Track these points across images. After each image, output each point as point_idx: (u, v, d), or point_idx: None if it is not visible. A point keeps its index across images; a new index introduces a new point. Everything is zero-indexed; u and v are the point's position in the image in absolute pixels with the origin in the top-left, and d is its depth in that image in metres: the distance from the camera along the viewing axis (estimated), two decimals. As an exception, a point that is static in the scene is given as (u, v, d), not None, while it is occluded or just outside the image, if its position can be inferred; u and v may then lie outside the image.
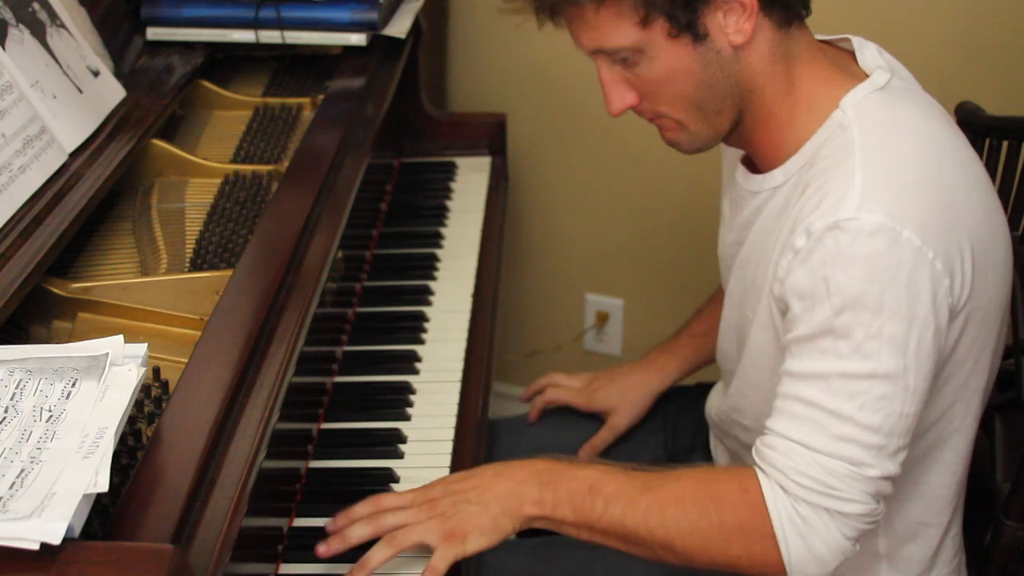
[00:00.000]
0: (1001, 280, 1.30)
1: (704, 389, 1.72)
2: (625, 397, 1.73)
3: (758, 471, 1.23)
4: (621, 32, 1.23)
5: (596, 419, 1.81)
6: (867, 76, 1.30)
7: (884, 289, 1.16)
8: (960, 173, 1.26)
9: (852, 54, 1.34)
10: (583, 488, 1.26)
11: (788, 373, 1.22)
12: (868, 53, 1.33)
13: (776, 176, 1.33)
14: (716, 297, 1.73)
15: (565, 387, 1.78)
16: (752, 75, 1.27)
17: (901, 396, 1.18)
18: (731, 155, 1.46)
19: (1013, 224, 1.53)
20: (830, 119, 1.27)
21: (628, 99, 1.30)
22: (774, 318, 1.29)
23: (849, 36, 1.36)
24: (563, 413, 1.85)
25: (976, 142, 1.60)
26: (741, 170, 1.40)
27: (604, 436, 1.72)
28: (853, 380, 1.17)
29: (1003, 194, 1.55)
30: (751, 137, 1.34)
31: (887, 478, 1.20)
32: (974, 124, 1.61)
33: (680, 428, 1.74)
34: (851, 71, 1.31)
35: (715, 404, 1.61)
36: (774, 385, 1.27)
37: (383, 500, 1.30)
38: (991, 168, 1.57)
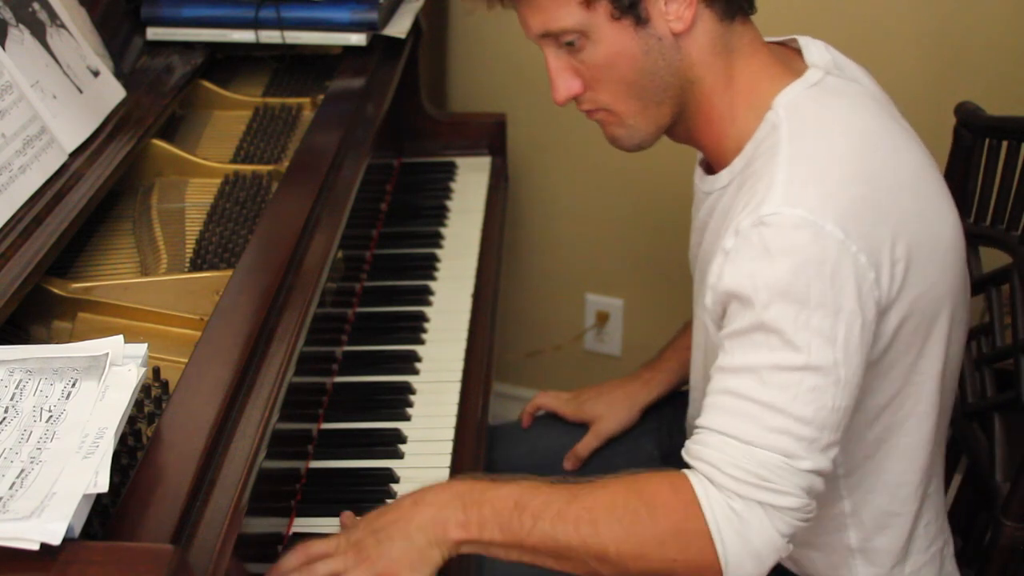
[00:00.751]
0: (946, 266, 1.30)
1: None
2: (612, 407, 1.74)
3: (690, 471, 1.22)
4: (565, 12, 1.26)
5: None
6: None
7: (809, 282, 1.17)
8: (890, 167, 1.26)
9: (799, 52, 1.36)
10: (508, 505, 1.22)
11: (720, 369, 1.22)
12: (814, 50, 1.35)
13: (723, 177, 1.34)
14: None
15: (554, 396, 1.80)
16: (692, 65, 1.29)
17: (832, 389, 1.18)
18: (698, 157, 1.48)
19: (1013, 224, 1.53)
20: (765, 119, 1.28)
21: (574, 87, 1.32)
22: (707, 325, 1.30)
23: (796, 36, 1.37)
24: (558, 418, 1.86)
25: (976, 142, 1.60)
26: (699, 172, 1.42)
27: (589, 441, 1.72)
28: (785, 372, 1.18)
29: (1003, 194, 1.55)
30: (694, 133, 1.36)
31: (819, 473, 1.19)
32: (974, 124, 1.61)
33: (675, 429, 1.74)
34: (794, 67, 1.33)
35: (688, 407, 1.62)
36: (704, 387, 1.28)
37: (312, 548, 1.25)
38: (991, 168, 1.57)
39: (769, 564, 1.20)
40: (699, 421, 1.23)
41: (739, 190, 1.28)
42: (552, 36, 1.29)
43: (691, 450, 1.23)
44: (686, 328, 1.76)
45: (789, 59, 1.34)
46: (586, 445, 1.72)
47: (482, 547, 1.24)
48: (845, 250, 1.18)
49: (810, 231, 1.17)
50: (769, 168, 1.23)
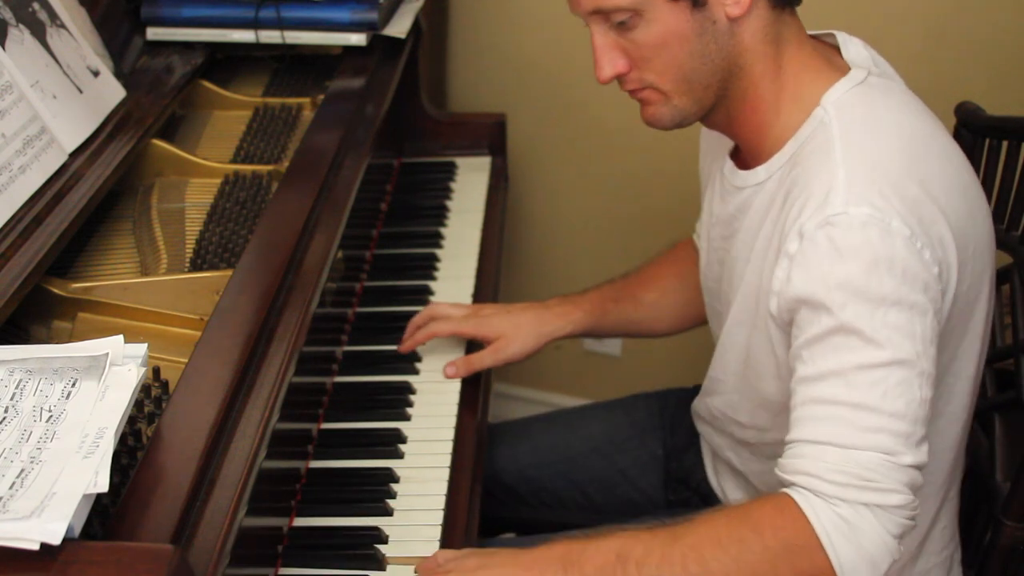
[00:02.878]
0: (985, 266, 1.31)
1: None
2: (518, 329, 1.65)
3: (789, 488, 1.20)
4: None
5: (592, 421, 1.81)
6: (850, 70, 1.31)
7: (882, 279, 1.17)
8: (939, 166, 1.27)
9: (837, 49, 1.35)
10: (610, 559, 1.20)
11: (803, 379, 1.21)
12: (852, 47, 1.35)
13: (760, 173, 1.34)
14: (643, 272, 1.72)
15: (449, 316, 1.67)
16: (743, 51, 1.28)
17: (918, 381, 1.17)
18: (716, 149, 1.46)
19: (1013, 224, 1.53)
20: (812, 116, 1.28)
21: (619, 65, 1.30)
22: (769, 330, 1.29)
23: (834, 32, 1.37)
24: (560, 414, 1.85)
25: (976, 142, 1.60)
26: (729, 164, 1.40)
27: (485, 358, 1.63)
28: (871, 370, 1.17)
29: (1003, 194, 1.55)
30: (736, 121, 1.35)
31: (918, 467, 1.18)
32: (974, 124, 1.61)
33: (678, 426, 1.74)
34: (835, 63, 1.33)
35: (704, 399, 1.61)
36: (752, 379, 1.27)
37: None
38: (991, 168, 1.57)
39: (884, 568, 1.17)
40: (789, 436, 1.21)
41: (787, 190, 1.27)
42: (603, 14, 1.27)
43: (786, 466, 1.21)
44: (626, 279, 1.72)
45: (830, 55, 1.34)
46: (480, 360, 1.64)
47: None
48: (911, 246, 1.18)
49: (878, 229, 1.17)
50: (825, 167, 1.22)
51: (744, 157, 1.38)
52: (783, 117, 1.30)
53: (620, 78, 1.32)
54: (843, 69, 1.31)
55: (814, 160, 1.25)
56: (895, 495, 1.16)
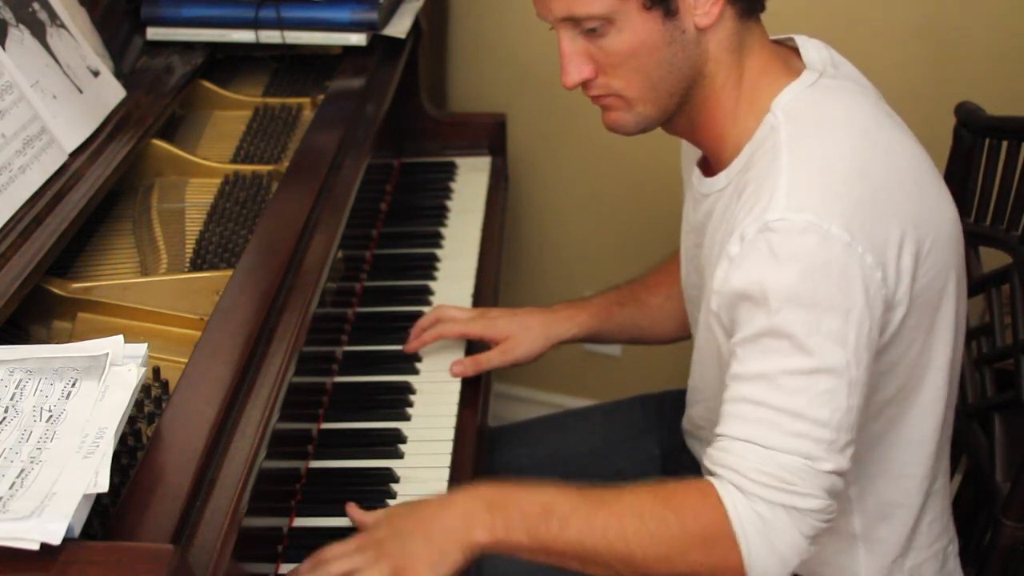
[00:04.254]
0: (948, 257, 1.31)
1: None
2: (526, 331, 1.66)
3: (714, 478, 1.23)
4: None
5: (595, 422, 1.81)
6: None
7: (817, 286, 1.18)
8: (889, 163, 1.27)
9: (797, 51, 1.36)
10: (536, 510, 1.24)
11: (734, 377, 1.23)
12: (812, 49, 1.35)
13: (720, 179, 1.35)
14: (648, 278, 1.74)
15: (456, 319, 1.67)
16: (708, 59, 1.29)
17: (845, 390, 1.19)
18: (690, 156, 1.48)
19: (1013, 224, 1.53)
20: (764, 122, 1.29)
21: (585, 71, 1.31)
22: (714, 330, 1.30)
23: (794, 36, 1.38)
24: (558, 416, 1.85)
25: (976, 142, 1.60)
26: (696, 172, 1.42)
27: (492, 357, 1.64)
28: (798, 376, 1.19)
29: (1003, 194, 1.55)
30: (697, 128, 1.35)
31: (839, 473, 1.20)
32: (974, 124, 1.61)
33: (675, 427, 1.74)
34: (792, 67, 1.33)
35: (687, 411, 1.62)
36: (718, 390, 1.28)
37: (325, 551, 1.27)
38: (991, 168, 1.57)
39: (792, 566, 1.21)
40: (719, 429, 1.24)
41: (739, 193, 1.29)
42: (574, 21, 1.28)
43: (714, 457, 1.24)
44: (632, 286, 1.74)
45: (788, 58, 1.35)
46: (488, 360, 1.64)
47: (508, 549, 1.25)
48: (852, 251, 1.18)
49: (816, 235, 1.18)
50: (771, 172, 1.23)
51: (710, 164, 1.39)
52: (740, 123, 1.31)
53: (585, 84, 1.32)
54: (798, 71, 1.32)
55: (761, 165, 1.26)
56: (812, 499, 1.19)
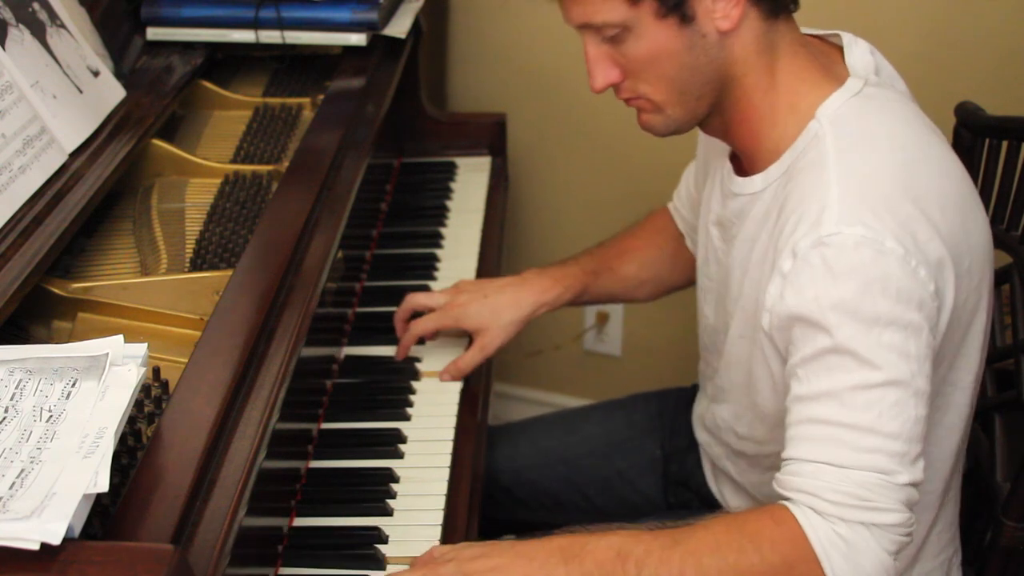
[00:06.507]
0: (982, 278, 1.31)
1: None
2: (498, 318, 1.64)
3: (787, 502, 1.20)
4: (609, 7, 1.25)
5: (591, 422, 1.81)
6: (848, 78, 1.30)
7: (876, 300, 1.17)
8: (934, 182, 1.26)
9: (840, 50, 1.35)
10: (610, 556, 1.20)
11: (798, 398, 1.21)
12: (856, 51, 1.34)
13: (756, 182, 1.34)
14: (622, 242, 1.74)
15: (424, 304, 1.67)
16: (735, 63, 1.28)
17: (912, 401, 1.18)
18: (716, 149, 1.46)
19: (1013, 224, 1.53)
20: (807, 129, 1.28)
21: (611, 76, 1.31)
22: (762, 345, 1.29)
23: (840, 32, 1.36)
24: (559, 415, 1.85)
25: (976, 142, 1.60)
26: (728, 168, 1.41)
27: (473, 357, 1.63)
28: (866, 391, 1.17)
29: (1003, 194, 1.55)
30: (731, 129, 1.35)
31: (915, 484, 1.19)
32: (974, 124, 1.61)
33: (677, 427, 1.74)
34: (834, 71, 1.32)
35: (702, 408, 1.61)
36: (751, 393, 1.27)
37: None
38: (991, 168, 1.57)
39: None
40: (786, 453, 1.22)
41: (781, 204, 1.27)
42: (593, 28, 1.28)
43: (784, 482, 1.21)
44: (604, 249, 1.73)
45: (830, 60, 1.33)
46: (469, 361, 1.63)
47: None
48: (906, 265, 1.18)
49: (872, 249, 1.17)
50: (819, 185, 1.22)
51: (742, 163, 1.38)
52: (779, 128, 1.30)
53: (615, 87, 1.32)
54: (841, 78, 1.31)
55: (808, 175, 1.25)
56: (892, 514, 1.17)
